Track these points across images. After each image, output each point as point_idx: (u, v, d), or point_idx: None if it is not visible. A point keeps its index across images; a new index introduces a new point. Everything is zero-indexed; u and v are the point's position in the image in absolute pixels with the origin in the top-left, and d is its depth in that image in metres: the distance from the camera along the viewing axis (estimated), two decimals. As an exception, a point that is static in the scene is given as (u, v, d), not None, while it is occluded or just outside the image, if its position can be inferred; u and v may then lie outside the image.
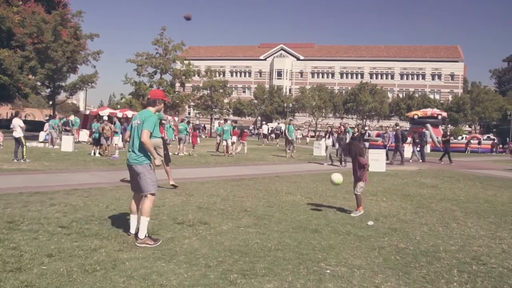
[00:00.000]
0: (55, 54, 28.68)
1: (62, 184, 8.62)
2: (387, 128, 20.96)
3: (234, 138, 23.50)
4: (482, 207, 8.14)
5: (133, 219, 5.01)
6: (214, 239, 5.03)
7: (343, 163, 15.84)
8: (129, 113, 33.96)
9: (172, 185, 8.77)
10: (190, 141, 21.27)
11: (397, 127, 20.77)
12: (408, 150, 23.50)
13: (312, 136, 56.68)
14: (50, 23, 28.68)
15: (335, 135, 16.82)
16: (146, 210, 4.78)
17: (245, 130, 23.67)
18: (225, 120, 22.50)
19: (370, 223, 6.29)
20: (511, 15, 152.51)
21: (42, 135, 26.11)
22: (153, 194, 4.86)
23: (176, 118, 33.73)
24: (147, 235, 4.73)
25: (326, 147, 17.20)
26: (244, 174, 12.08)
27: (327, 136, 17.36)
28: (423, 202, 8.42)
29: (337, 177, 7.00)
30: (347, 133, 16.75)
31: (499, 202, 8.79)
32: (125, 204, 6.77)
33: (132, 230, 4.96)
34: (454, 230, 6.12)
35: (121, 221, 5.61)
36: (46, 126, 26.96)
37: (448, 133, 23.55)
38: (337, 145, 16.57)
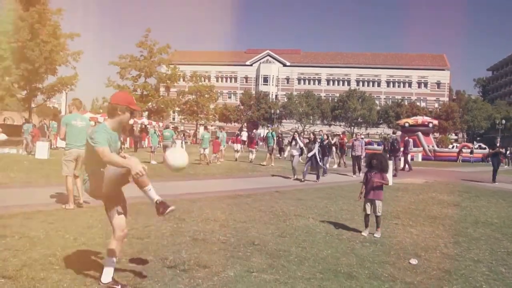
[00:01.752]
0: (31, 53, 26.83)
1: (24, 203, 7.07)
2: (358, 135, 19.02)
3: (238, 146, 22.55)
4: (527, 234, 6.90)
5: None
6: (221, 295, 3.62)
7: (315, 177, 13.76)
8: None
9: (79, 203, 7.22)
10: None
11: (393, 135, 19.62)
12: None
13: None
14: (27, 20, 26.83)
15: (302, 141, 14.54)
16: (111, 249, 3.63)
17: (254, 138, 22.41)
18: (205, 127, 21.74)
19: (414, 261, 4.95)
20: (495, 24, 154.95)
21: None
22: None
23: (161, 124, 32.17)
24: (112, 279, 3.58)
25: (292, 157, 14.15)
26: (240, 189, 10.67)
27: (293, 144, 14.34)
28: (457, 227, 7.14)
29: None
30: (316, 142, 14.00)
31: (540, 226, 7.57)
32: (100, 234, 5.30)
33: None
34: (519, 271, 4.83)
35: (91, 263, 4.16)
36: None
37: (498, 145, 16.52)
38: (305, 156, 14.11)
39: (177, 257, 4.59)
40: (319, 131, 17.15)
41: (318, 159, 13.83)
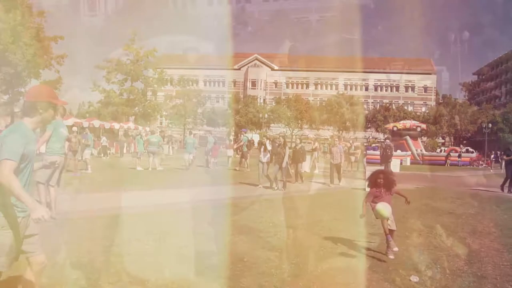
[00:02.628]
0: (13, 57, 26.10)
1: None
2: (336, 140, 17.82)
3: (231, 152, 22.19)
4: (527, 244, 6.64)
5: None
6: (207, 325, 3.24)
7: (279, 184, 12.50)
8: (96, 123, 31.79)
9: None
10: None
11: (387, 141, 19.38)
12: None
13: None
14: (9, 23, 26.12)
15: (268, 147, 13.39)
16: None
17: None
18: (190, 132, 21.50)
19: (415, 279, 4.63)
20: (480, 29, 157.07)
21: None
22: None
23: (148, 129, 31.63)
24: None
25: (262, 163, 13.21)
26: (228, 197, 10.27)
27: (261, 149, 13.47)
28: (455, 237, 6.84)
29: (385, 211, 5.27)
30: (287, 147, 12.82)
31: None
32: (77, 251, 4.86)
33: None
34: (527, 288, 4.54)
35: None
36: None
37: None
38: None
39: (160, 278, 4.19)
40: (283, 135, 16.08)
41: (288, 165, 13.25)
